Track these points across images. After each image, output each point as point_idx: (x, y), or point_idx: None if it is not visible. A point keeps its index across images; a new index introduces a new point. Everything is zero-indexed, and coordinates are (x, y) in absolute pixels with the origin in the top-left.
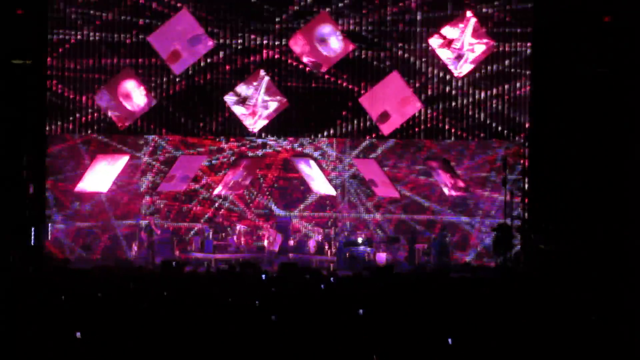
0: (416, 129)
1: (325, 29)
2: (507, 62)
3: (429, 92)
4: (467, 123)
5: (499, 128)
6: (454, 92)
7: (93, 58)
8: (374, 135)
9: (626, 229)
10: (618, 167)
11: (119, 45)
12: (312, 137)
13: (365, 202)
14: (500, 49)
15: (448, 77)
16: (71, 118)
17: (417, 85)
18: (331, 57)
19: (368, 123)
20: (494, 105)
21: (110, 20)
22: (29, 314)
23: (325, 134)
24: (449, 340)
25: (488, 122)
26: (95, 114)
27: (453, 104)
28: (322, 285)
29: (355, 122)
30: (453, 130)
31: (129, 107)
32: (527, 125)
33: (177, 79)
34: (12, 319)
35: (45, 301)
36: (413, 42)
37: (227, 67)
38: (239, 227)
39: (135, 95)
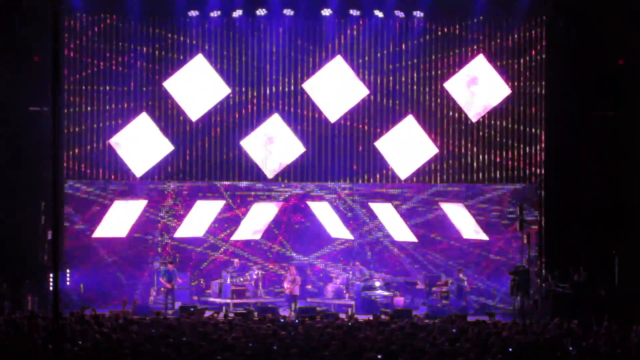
0: (432, 173)
1: (340, 74)
2: (521, 105)
3: (445, 136)
4: (482, 166)
5: (514, 172)
6: (469, 135)
7: (109, 104)
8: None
9: None
10: (633, 209)
11: (135, 90)
12: (328, 181)
13: (383, 244)
14: (514, 92)
15: (463, 120)
16: (88, 165)
17: (433, 128)
18: (345, 102)
19: (384, 167)
20: (509, 151)
21: (127, 65)
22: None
23: (341, 178)
24: None
25: (502, 166)
26: (112, 161)
27: (468, 148)
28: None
29: (372, 166)
30: (468, 175)
31: (143, 154)
32: (542, 170)
33: (194, 125)
34: None
35: (63, 347)
36: (428, 86)
37: (243, 112)
38: (257, 271)
39: (151, 143)
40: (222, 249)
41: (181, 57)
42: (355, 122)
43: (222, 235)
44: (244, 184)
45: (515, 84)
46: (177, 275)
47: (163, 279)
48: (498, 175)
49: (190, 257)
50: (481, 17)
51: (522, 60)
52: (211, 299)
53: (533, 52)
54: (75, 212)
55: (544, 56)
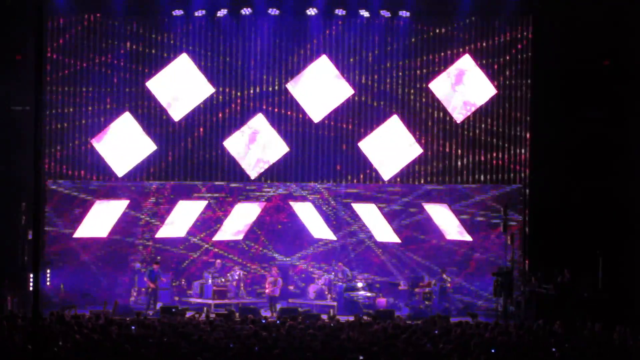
0: (416, 174)
1: (325, 73)
2: (506, 105)
3: (429, 136)
4: (466, 167)
5: (499, 174)
6: (453, 136)
7: (92, 103)
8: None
9: (625, 272)
10: (617, 211)
11: (118, 90)
12: (312, 181)
13: (366, 245)
14: (500, 92)
15: (447, 120)
16: (70, 164)
17: (417, 129)
18: (329, 102)
19: (368, 167)
20: (494, 152)
21: (110, 65)
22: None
23: (324, 178)
24: None
25: (487, 167)
26: (94, 161)
27: (453, 148)
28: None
29: (355, 166)
30: (452, 177)
31: (125, 154)
32: (526, 172)
33: (177, 125)
34: None
35: (43, 347)
36: (413, 86)
37: (227, 112)
38: (238, 272)
39: (134, 143)
40: (203, 249)
41: (165, 56)
42: (339, 122)
43: (204, 235)
44: (226, 184)
45: (501, 84)
46: (160, 276)
47: (147, 278)
48: (482, 176)
49: (171, 258)
50: (467, 18)
51: (508, 60)
52: (192, 300)
53: (519, 51)
54: (56, 212)
55: (530, 55)
